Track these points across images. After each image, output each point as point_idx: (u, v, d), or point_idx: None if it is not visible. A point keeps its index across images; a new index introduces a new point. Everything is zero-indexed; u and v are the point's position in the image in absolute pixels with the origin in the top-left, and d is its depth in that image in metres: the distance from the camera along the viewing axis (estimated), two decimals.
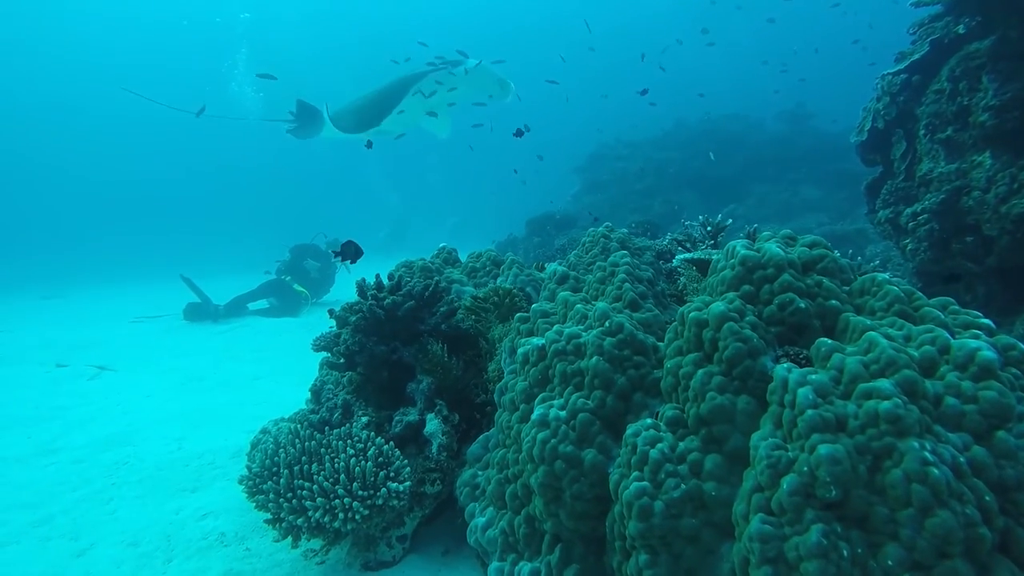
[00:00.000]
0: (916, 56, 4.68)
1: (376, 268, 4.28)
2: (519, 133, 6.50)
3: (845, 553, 1.31)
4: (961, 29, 4.38)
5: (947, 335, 1.54)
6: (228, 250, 20.25)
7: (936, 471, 1.25)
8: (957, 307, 1.75)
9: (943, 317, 1.66)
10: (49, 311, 11.45)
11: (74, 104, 39.89)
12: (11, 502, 3.36)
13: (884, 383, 1.42)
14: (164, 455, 3.85)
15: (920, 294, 1.76)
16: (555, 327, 2.21)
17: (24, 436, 4.41)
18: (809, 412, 1.46)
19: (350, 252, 3.56)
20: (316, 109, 8.49)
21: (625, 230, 3.24)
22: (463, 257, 3.76)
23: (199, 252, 20.46)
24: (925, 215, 4.29)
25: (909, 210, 4.48)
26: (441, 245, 3.65)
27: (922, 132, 4.57)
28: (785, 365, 1.63)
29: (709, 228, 3.19)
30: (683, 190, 13.00)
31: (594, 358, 2.03)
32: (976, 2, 4.12)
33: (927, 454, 1.28)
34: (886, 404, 1.37)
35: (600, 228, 3.22)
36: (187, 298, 9.48)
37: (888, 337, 1.59)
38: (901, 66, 4.83)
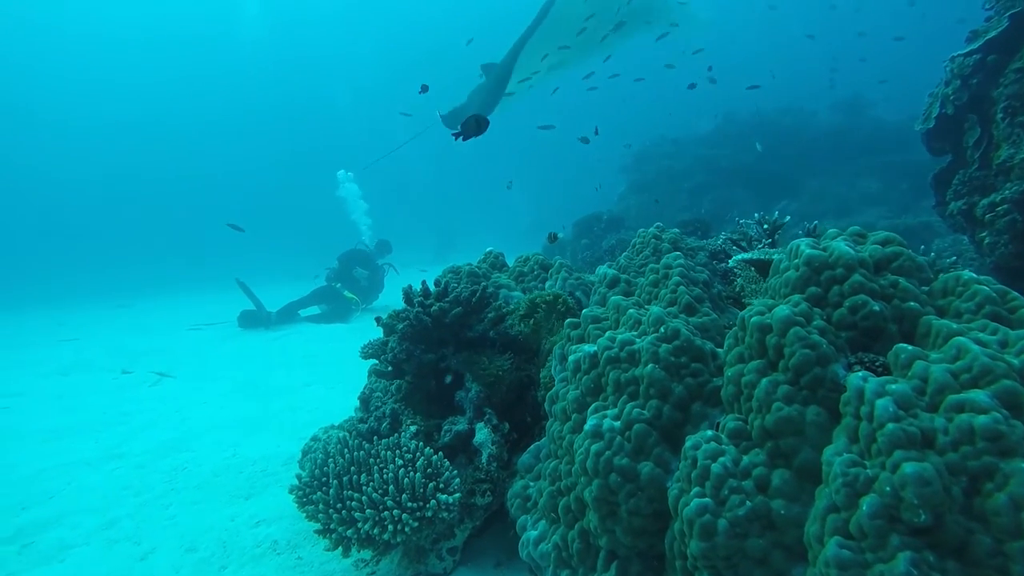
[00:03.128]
0: (993, 33, 4.35)
1: (429, 275, 4.29)
2: (594, 133, 6.47)
3: None
4: None
5: None
6: (280, 258, 20.87)
7: None
8: None
9: None
10: (118, 319, 12.03)
11: (138, 120, 41.94)
12: (82, 505, 3.50)
13: (979, 394, 1.28)
14: (220, 461, 3.93)
15: (1016, 294, 1.59)
16: (607, 333, 2.12)
17: (93, 441, 4.61)
18: (890, 426, 1.33)
19: (471, 127, 3.38)
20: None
21: (676, 230, 3.11)
22: (510, 261, 3.70)
23: (253, 261, 21.16)
24: (1005, 205, 3.98)
25: (985, 201, 4.17)
26: (488, 249, 3.60)
27: (1000, 116, 4.24)
28: (860, 374, 1.49)
29: (766, 226, 3.03)
30: (734, 187, 12.60)
31: (649, 365, 1.93)
32: None
33: None
34: (983, 419, 1.23)
35: (651, 229, 3.10)
36: (241, 306, 9.77)
37: (980, 343, 1.44)
38: (974, 46, 4.50)
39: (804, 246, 1.81)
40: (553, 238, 5.15)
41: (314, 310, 9.80)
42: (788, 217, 3.11)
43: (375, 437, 2.60)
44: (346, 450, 2.48)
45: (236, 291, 10.03)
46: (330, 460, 2.46)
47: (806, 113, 15.26)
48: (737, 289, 2.59)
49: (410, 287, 2.88)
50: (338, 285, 9.74)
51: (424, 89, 5.57)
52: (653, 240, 3.08)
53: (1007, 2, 4.33)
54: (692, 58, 11.74)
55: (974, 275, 1.66)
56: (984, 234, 4.14)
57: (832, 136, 13.81)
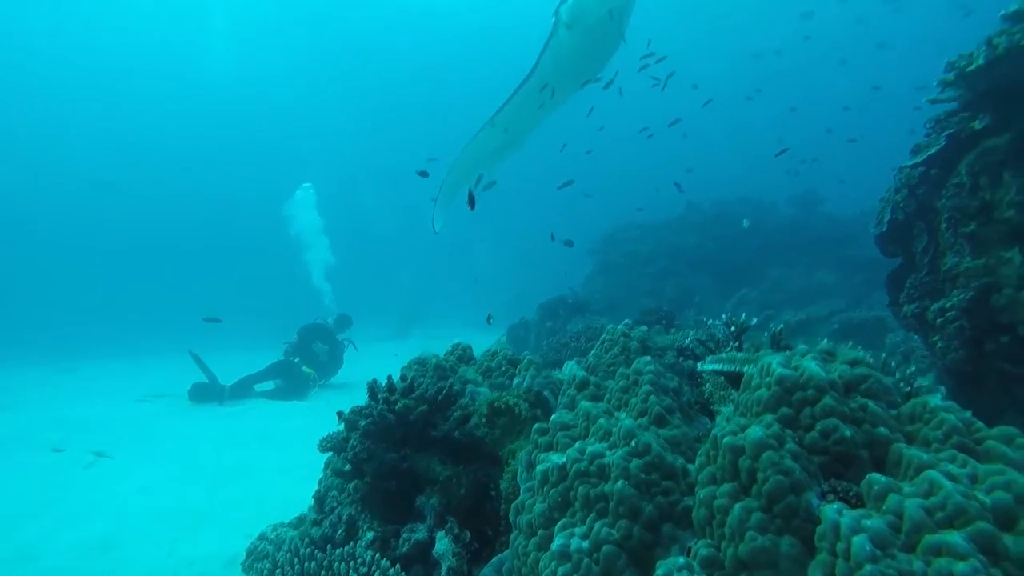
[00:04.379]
0: (933, 150, 4.66)
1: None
2: (569, 243, 6.71)
3: None
4: (978, 125, 4.37)
5: None
6: (239, 324, 20.12)
7: None
8: None
9: (1011, 454, 1.50)
10: (58, 387, 11.34)
11: (93, 176, 39.97)
12: None
13: (955, 538, 1.26)
14: (153, 563, 3.59)
15: (980, 424, 1.61)
16: (577, 444, 2.06)
17: (3, 538, 4.11)
18: (868, 568, 1.29)
19: (470, 199, 3.46)
20: None
21: (644, 328, 3.13)
22: (479, 341, 3.64)
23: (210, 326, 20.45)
24: (953, 312, 4.14)
25: (936, 305, 4.34)
26: (456, 342, 3.55)
27: (944, 225, 4.49)
28: (835, 506, 1.46)
29: (732, 328, 3.08)
30: (697, 273, 12.96)
31: (619, 482, 1.87)
32: (991, 101, 4.14)
33: None
34: (962, 566, 1.20)
35: (619, 327, 3.11)
36: (194, 377, 9.36)
37: (951, 477, 1.43)
38: (919, 159, 4.80)
39: (775, 364, 1.82)
40: (489, 319, 5.92)
41: (269, 385, 9.45)
42: (755, 320, 3.17)
43: (329, 545, 2.43)
44: (296, 560, 2.30)
45: (189, 359, 9.64)
46: (278, 571, 2.28)
47: (765, 205, 16.00)
48: (706, 396, 2.58)
49: (375, 382, 2.79)
50: (296, 360, 9.46)
51: (425, 175, 5.71)
52: (622, 338, 3.08)
53: (944, 123, 4.68)
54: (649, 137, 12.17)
55: (940, 402, 1.68)
56: (936, 338, 4.27)
57: (790, 228, 14.46)
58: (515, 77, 7.78)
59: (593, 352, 3.13)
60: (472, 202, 3.39)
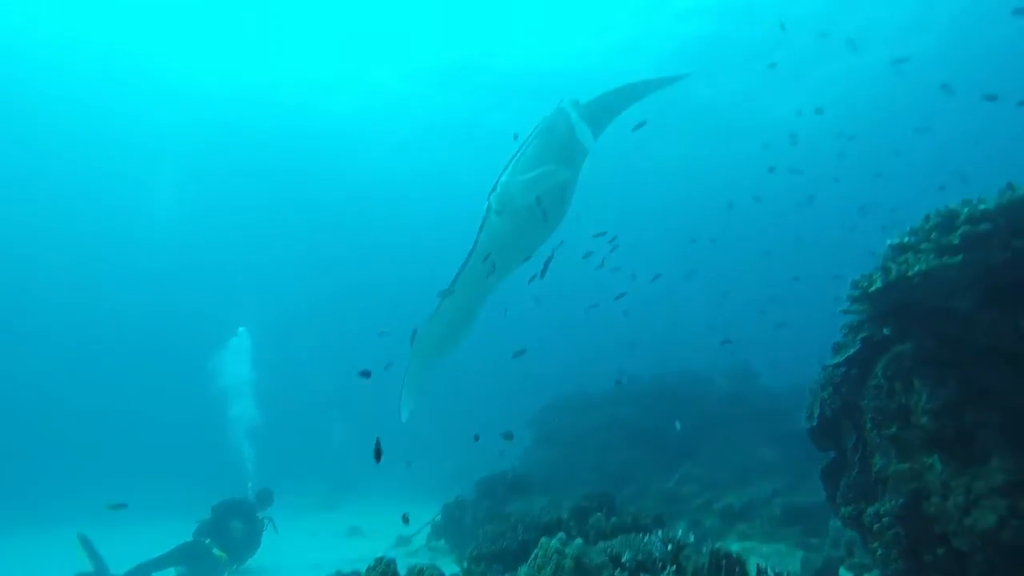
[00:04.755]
0: (851, 351, 4.94)
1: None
2: (508, 436, 7.00)
3: None
4: (886, 331, 4.72)
5: None
6: (147, 490, 17.86)
7: None
8: None
9: None
10: None
11: None
12: None
13: None
14: None
15: None
16: None
17: None
18: None
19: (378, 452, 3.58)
20: None
21: (580, 541, 2.95)
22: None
23: (106, 494, 18.07)
24: (888, 518, 4.13)
25: (871, 509, 4.32)
26: (379, 556, 3.24)
27: (869, 425, 4.62)
28: None
29: (670, 546, 2.93)
30: (638, 447, 12.80)
31: None
32: (892, 315, 4.50)
33: None
34: None
35: (554, 541, 2.94)
36: (79, 561, 8.12)
37: None
38: (839, 359, 5.06)
39: None
40: (405, 519, 6.09)
41: (171, 572, 8.28)
42: (692, 536, 3.05)
43: None
44: None
45: (74, 538, 8.41)
46: None
47: (702, 377, 16.39)
48: None
49: None
50: (207, 541, 8.43)
51: (367, 374, 5.80)
52: (556, 555, 2.89)
53: (857, 328, 5.03)
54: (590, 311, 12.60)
55: None
56: (875, 545, 4.21)
57: (729, 401, 14.70)
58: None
59: (525, 570, 2.91)
60: (378, 455, 3.47)
